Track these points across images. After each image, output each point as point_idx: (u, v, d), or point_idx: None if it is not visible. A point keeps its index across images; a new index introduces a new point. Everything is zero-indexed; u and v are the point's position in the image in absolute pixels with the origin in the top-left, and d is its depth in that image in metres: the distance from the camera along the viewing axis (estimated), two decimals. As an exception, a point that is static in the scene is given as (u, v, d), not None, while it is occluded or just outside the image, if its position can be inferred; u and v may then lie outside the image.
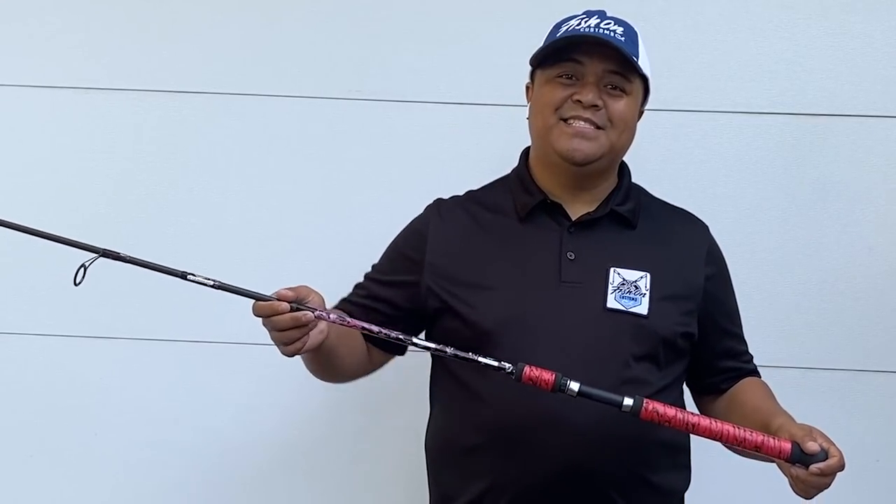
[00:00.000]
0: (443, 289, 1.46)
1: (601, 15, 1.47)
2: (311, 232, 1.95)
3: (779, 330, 1.90)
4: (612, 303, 1.41)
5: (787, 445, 1.26)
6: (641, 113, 1.52)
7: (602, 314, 1.40)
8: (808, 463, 1.25)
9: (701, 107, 1.91)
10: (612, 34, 1.42)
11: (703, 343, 1.50)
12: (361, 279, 1.58)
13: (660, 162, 1.89)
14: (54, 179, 1.97)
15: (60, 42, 1.97)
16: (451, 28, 1.94)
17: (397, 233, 1.58)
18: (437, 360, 1.51)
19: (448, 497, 1.46)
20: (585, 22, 1.45)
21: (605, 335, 1.40)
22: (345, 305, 1.54)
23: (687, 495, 1.51)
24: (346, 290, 1.86)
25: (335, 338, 1.39)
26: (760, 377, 1.58)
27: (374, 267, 1.58)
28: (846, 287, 1.90)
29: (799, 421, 1.35)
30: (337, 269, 1.90)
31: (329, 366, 1.45)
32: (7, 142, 1.98)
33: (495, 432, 1.39)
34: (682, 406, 1.49)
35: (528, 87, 1.54)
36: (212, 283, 1.27)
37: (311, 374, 1.50)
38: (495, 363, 1.28)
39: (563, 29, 1.47)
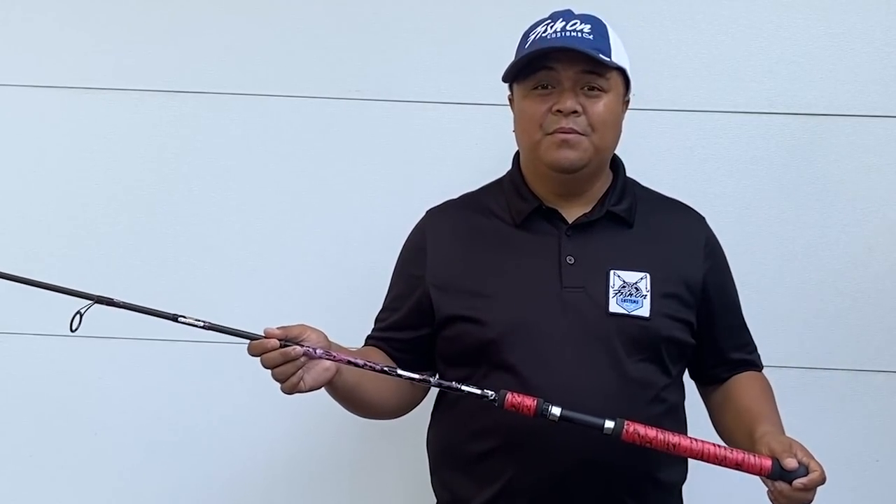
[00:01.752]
0: (446, 298, 1.46)
1: (566, 16, 1.45)
2: (311, 231, 1.95)
3: (779, 330, 1.90)
4: (614, 307, 1.40)
5: (768, 462, 1.27)
6: (627, 103, 1.50)
7: (605, 319, 1.40)
8: (789, 479, 1.26)
9: (701, 107, 1.91)
10: (579, 34, 1.41)
11: (705, 335, 1.50)
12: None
13: (659, 161, 1.89)
14: (54, 178, 1.97)
15: (60, 42, 1.97)
16: (450, 28, 1.94)
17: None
18: (451, 367, 1.50)
19: (460, 500, 1.46)
20: (551, 27, 1.44)
21: (609, 339, 1.40)
22: (368, 342, 1.55)
23: (683, 489, 1.52)
24: (344, 290, 1.87)
25: (357, 374, 1.38)
26: (761, 369, 1.58)
27: (386, 298, 1.57)
28: (846, 287, 1.90)
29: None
30: (336, 268, 1.93)
31: (357, 401, 1.45)
32: (7, 142, 1.98)
33: (508, 436, 1.39)
34: (682, 400, 1.50)
35: (510, 99, 1.53)
36: (202, 324, 1.29)
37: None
38: (478, 391, 1.30)
39: (531, 38, 1.46)
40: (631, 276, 1.43)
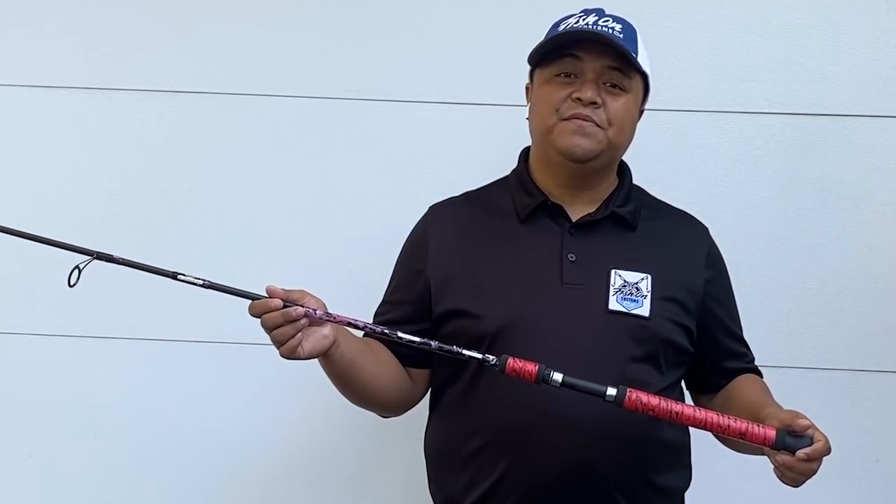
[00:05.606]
0: (446, 293, 1.46)
1: (599, 13, 1.47)
2: (311, 232, 1.95)
3: (779, 330, 1.90)
4: (613, 305, 1.41)
5: (772, 432, 1.26)
6: (642, 112, 1.51)
7: (604, 316, 1.40)
8: (793, 449, 1.25)
9: (701, 107, 1.91)
10: (610, 31, 1.42)
11: (704, 344, 1.50)
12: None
13: (660, 162, 1.89)
14: (54, 179, 1.97)
15: (60, 42, 1.96)
16: (450, 28, 1.94)
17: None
18: (439, 363, 1.50)
19: (452, 500, 1.46)
20: (583, 20, 1.45)
21: (607, 337, 1.40)
22: (367, 337, 1.54)
23: (687, 494, 1.51)
24: (344, 291, 1.86)
25: (355, 353, 1.39)
26: (762, 375, 1.58)
27: (386, 292, 1.57)
28: (846, 287, 1.90)
29: (797, 411, 1.34)
30: (335, 268, 1.93)
31: (353, 381, 1.43)
32: (7, 142, 1.98)
33: (499, 434, 1.39)
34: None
35: (527, 88, 1.53)
36: (201, 282, 1.29)
37: (335, 390, 1.47)
38: (479, 356, 1.29)
39: (562, 27, 1.47)
40: (632, 276, 1.43)
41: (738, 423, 1.26)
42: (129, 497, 1.98)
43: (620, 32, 1.43)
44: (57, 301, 1.93)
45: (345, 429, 1.93)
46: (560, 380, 1.26)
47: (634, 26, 1.47)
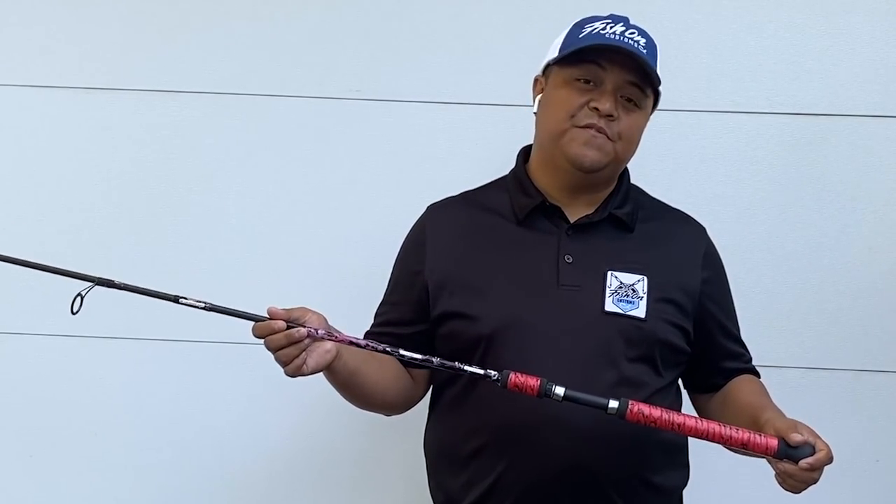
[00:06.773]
0: (442, 294, 1.46)
1: (625, 22, 1.45)
2: (311, 232, 1.95)
3: (779, 330, 1.90)
4: (609, 306, 1.41)
5: (774, 442, 1.26)
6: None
7: (600, 317, 1.40)
8: (796, 458, 1.25)
9: (701, 107, 1.91)
10: (636, 45, 1.41)
11: (701, 345, 1.50)
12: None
13: (659, 162, 1.90)
14: (54, 179, 1.97)
15: (61, 42, 1.97)
16: (451, 28, 1.94)
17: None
18: None
19: (452, 500, 1.47)
20: (611, 27, 1.43)
21: (603, 338, 1.40)
22: (367, 337, 1.53)
23: (686, 493, 1.52)
24: (343, 291, 1.87)
25: (357, 361, 1.40)
26: (759, 376, 1.59)
27: (385, 291, 1.58)
28: (846, 287, 1.90)
29: (797, 420, 1.35)
30: (335, 268, 1.93)
31: (356, 388, 1.44)
32: (7, 142, 1.98)
33: (498, 434, 1.39)
34: (679, 407, 1.49)
35: (537, 80, 1.51)
36: (203, 305, 1.29)
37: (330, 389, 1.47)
38: (480, 371, 1.29)
39: (587, 30, 1.44)
40: (628, 278, 1.43)
41: (741, 433, 1.26)
42: (129, 497, 1.98)
43: (644, 48, 1.42)
44: (58, 301, 1.93)
45: (345, 428, 1.93)
46: (562, 394, 1.26)
47: (655, 42, 1.46)
